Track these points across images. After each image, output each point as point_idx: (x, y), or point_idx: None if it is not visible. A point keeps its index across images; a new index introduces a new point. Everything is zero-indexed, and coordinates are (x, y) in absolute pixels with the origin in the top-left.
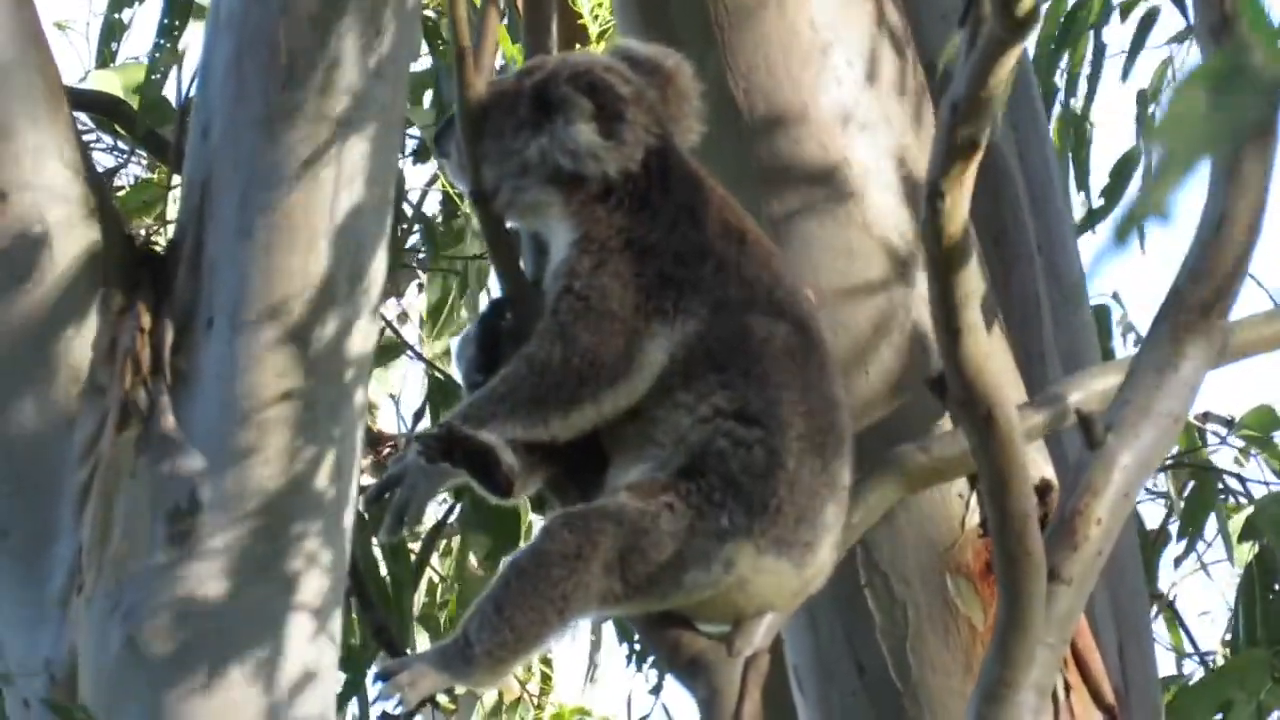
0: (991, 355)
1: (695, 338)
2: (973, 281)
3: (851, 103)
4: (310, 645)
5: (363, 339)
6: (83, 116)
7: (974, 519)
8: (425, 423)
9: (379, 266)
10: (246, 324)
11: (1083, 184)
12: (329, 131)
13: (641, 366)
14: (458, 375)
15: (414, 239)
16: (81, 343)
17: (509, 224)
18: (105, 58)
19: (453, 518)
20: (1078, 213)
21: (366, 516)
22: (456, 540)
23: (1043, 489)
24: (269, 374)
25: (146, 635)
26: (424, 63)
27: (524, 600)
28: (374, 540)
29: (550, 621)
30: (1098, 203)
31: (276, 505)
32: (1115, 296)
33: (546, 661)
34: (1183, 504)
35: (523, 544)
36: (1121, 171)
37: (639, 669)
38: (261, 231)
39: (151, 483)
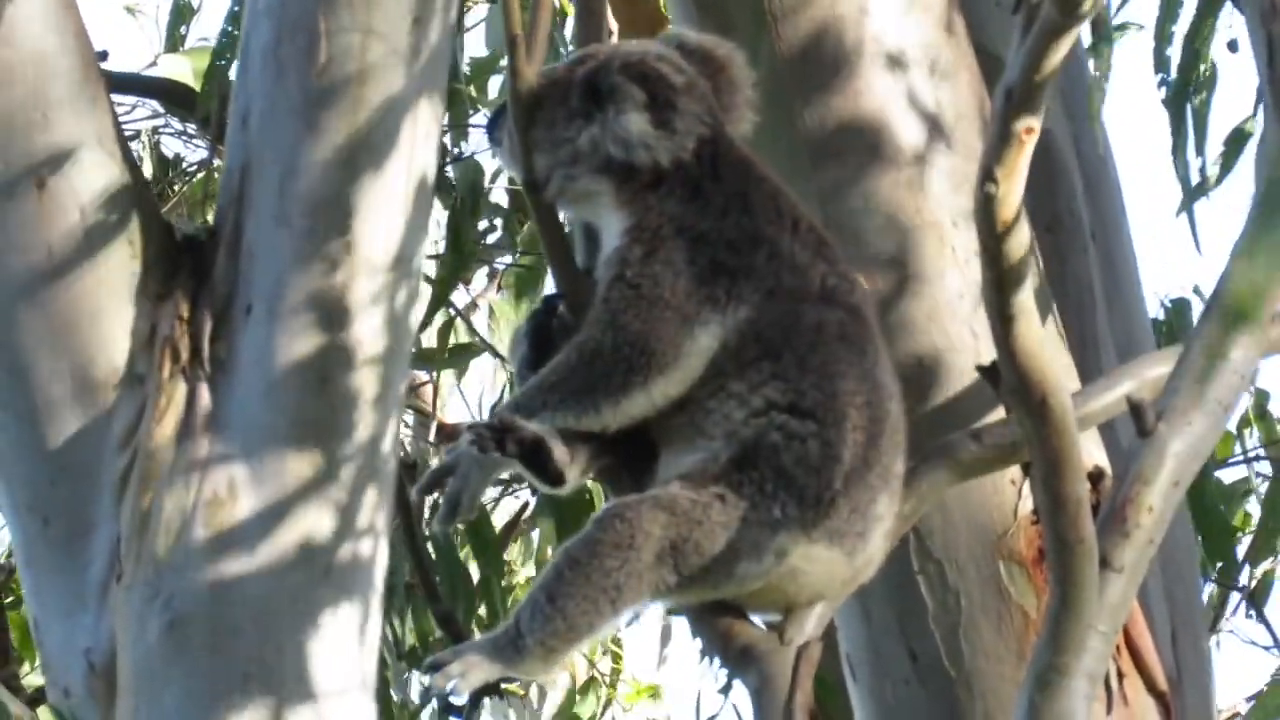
0: (1044, 342)
1: (748, 324)
2: (1026, 268)
3: (904, 91)
4: (350, 632)
5: (403, 325)
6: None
7: (1026, 506)
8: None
9: (420, 252)
10: (285, 311)
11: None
12: (367, 118)
13: (692, 354)
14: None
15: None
16: (120, 331)
17: (561, 213)
18: (175, 41)
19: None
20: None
21: (421, 505)
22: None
23: (1095, 476)
24: (308, 361)
25: (185, 623)
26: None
27: (576, 590)
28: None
29: (603, 611)
30: (1212, 170)
31: (315, 493)
32: (1196, 290)
33: (617, 642)
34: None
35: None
36: (1237, 140)
37: (709, 664)
38: (300, 218)
39: (190, 470)
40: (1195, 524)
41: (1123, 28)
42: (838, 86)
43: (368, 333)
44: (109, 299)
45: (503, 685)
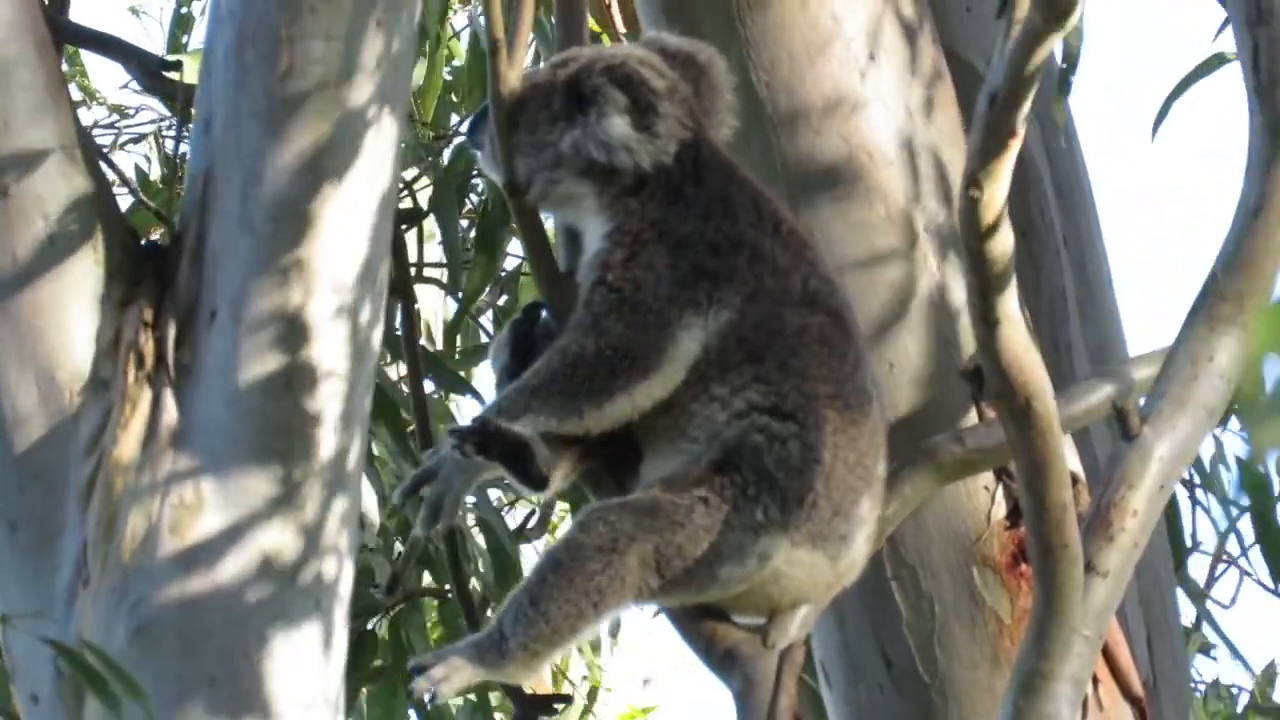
0: (1029, 346)
1: (729, 327)
2: (1010, 272)
3: (869, 90)
4: (315, 639)
5: (367, 332)
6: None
7: (1000, 512)
8: None
9: (383, 258)
10: (249, 317)
11: None
12: (331, 123)
13: (674, 358)
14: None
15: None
16: (85, 337)
17: (543, 215)
18: (176, 45)
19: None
20: None
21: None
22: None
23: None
24: (272, 367)
25: (152, 628)
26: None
27: (559, 593)
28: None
29: (585, 614)
30: None
31: (282, 497)
32: None
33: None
34: None
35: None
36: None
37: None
38: (263, 224)
39: (156, 476)
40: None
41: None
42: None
43: (331, 341)
44: (73, 305)
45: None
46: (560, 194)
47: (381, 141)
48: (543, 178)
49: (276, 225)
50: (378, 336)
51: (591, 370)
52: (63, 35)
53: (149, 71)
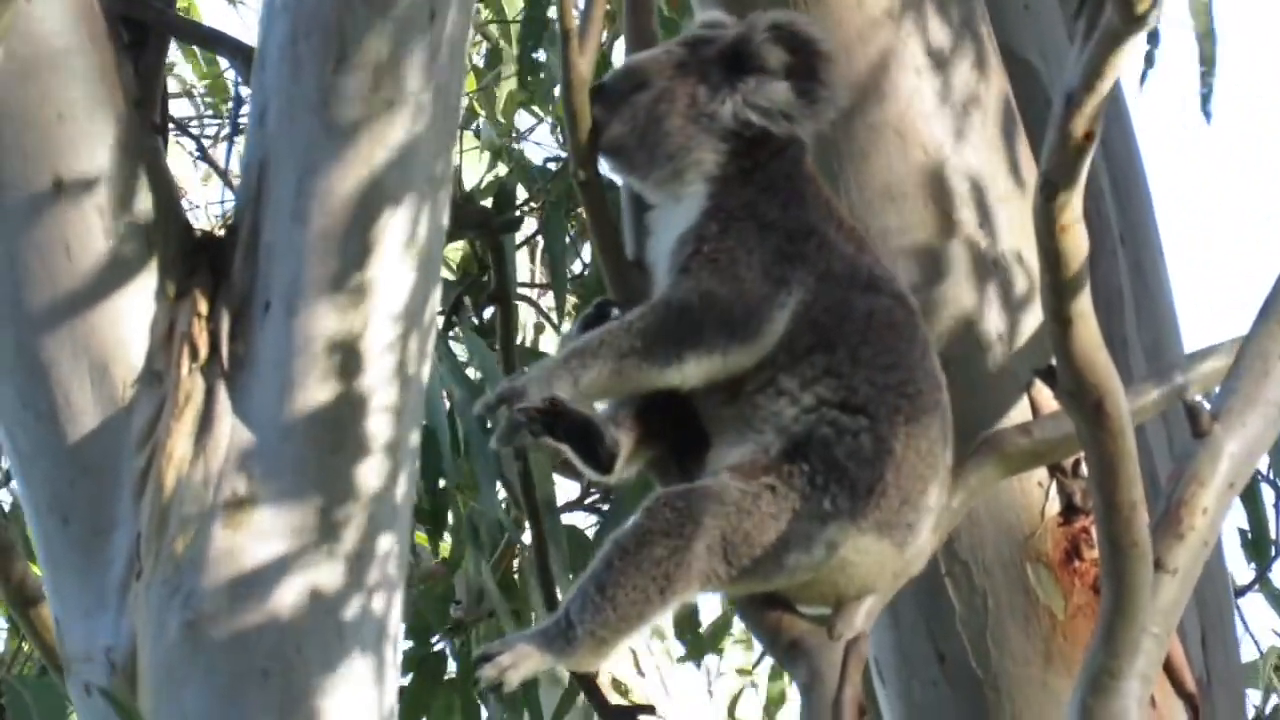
0: (1101, 346)
1: (802, 309)
2: (1085, 271)
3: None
4: (370, 628)
5: (422, 318)
6: None
7: (1054, 508)
8: None
9: (437, 245)
10: (302, 308)
11: None
12: (384, 114)
13: (769, 332)
14: None
15: None
16: (139, 329)
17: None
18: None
19: None
20: None
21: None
22: None
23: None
24: (325, 357)
25: (205, 620)
26: None
27: (626, 580)
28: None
29: (652, 600)
30: None
31: (334, 488)
32: None
33: None
34: None
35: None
36: None
37: None
38: (317, 216)
39: (209, 468)
40: None
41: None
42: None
43: (386, 329)
44: (127, 297)
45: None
46: (682, 167)
47: (436, 130)
48: (672, 150)
49: (331, 217)
50: (432, 319)
51: (696, 320)
52: (168, 29)
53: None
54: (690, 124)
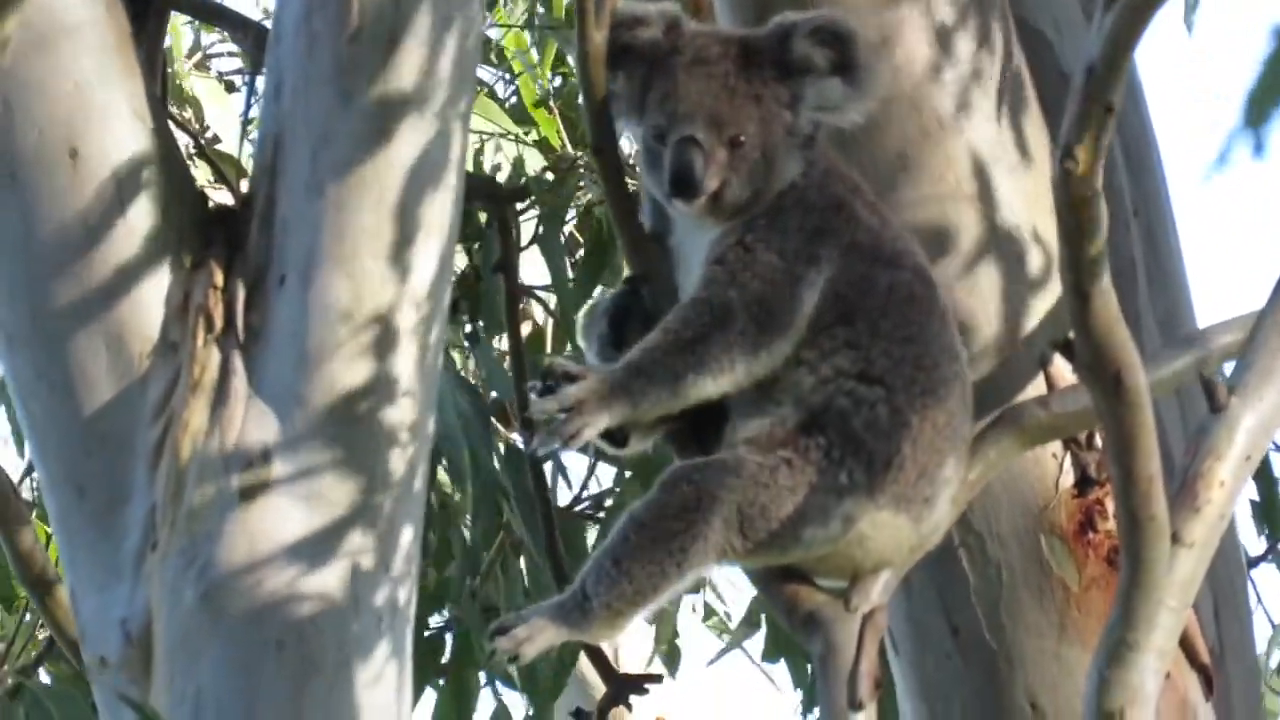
0: (1120, 320)
1: (828, 283)
2: (1104, 244)
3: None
4: (384, 600)
5: (436, 296)
6: None
7: (1068, 480)
8: None
9: (452, 223)
10: (318, 280)
11: None
12: (399, 87)
13: (803, 315)
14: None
15: None
16: (154, 299)
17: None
18: None
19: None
20: None
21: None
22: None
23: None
24: (341, 331)
25: (220, 592)
26: None
27: (642, 553)
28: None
29: (669, 574)
30: None
31: (350, 461)
32: None
33: None
34: None
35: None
36: None
37: None
38: (332, 188)
39: (224, 439)
40: None
41: None
42: None
43: (402, 304)
44: (142, 268)
45: None
46: (777, 187)
47: (451, 103)
48: (775, 180)
49: (345, 190)
50: (446, 295)
51: (741, 322)
52: (171, 3)
53: (260, 44)
54: (787, 151)
